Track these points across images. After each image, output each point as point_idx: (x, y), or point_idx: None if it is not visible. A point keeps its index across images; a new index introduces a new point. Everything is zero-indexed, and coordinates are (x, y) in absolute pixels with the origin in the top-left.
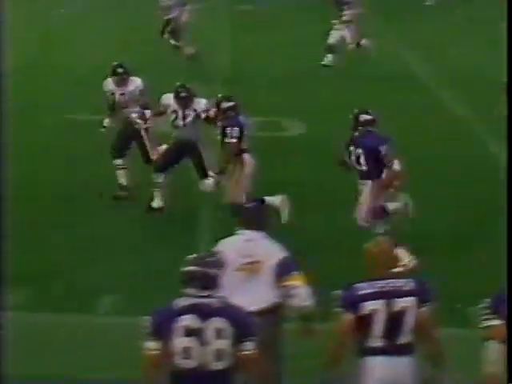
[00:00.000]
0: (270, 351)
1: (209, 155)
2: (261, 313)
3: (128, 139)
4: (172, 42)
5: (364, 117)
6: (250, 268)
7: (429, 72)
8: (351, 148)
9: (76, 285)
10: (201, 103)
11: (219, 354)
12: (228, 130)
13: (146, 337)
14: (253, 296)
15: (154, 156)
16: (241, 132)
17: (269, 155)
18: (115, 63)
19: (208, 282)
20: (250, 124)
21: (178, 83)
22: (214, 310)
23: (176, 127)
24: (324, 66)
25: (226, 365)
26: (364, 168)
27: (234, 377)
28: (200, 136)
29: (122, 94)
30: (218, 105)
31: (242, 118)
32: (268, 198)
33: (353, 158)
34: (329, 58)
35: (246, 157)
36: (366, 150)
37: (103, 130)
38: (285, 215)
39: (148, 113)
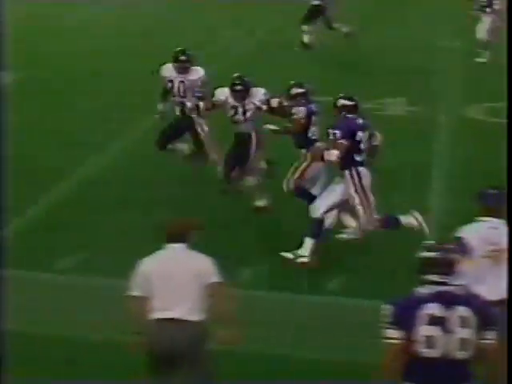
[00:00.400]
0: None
1: (262, 149)
2: (500, 303)
3: (181, 130)
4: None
5: (342, 102)
6: (495, 256)
7: None
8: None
9: None
10: (259, 93)
11: (463, 343)
12: (294, 109)
13: (386, 325)
14: (494, 285)
15: (210, 152)
16: (309, 118)
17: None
18: (178, 49)
19: (449, 269)
20: (320, 113)
21: (234, 75)
22: (457, 298)
23: (235, 122)
24: (480, 63)
25: (469, 354)
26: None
27: (474, 367)
28: (257, 129)
29: (182, 82)
30: (287, 91)
31: (312, 106)
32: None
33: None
34: (484, 55)
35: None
36: (342, 131)
37: (157, 116)
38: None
39: (201, 105)
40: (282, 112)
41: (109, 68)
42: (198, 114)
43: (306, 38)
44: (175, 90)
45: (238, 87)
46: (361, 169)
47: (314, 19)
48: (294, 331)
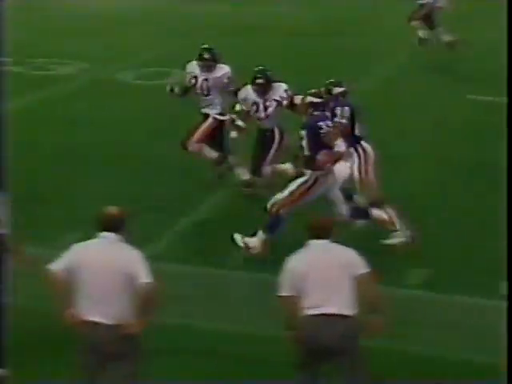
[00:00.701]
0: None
1: (285, 146)
2: None
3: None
4: (420, 32)
5: (310, 99)
6: None
7: None
8: (301, 132)
9: None
10: (280, 88)
11: None
12: (338, 109)
13: None
14: None
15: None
16: (352, 116)
17: None
18: (204, 46)
19: None
20: (362, 111)
21: (256, 68)
22: None
23: (258, 119)
24: None
25: None
26: (306, 152)
27: None
28: (279, 124)
29: (205, 80)
30: (328, 90)
31: (352, 104)
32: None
33: (298, 143)
34: None
35: (365, 144)
36: (307, 129)
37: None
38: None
39: (240, 123)
40: (304, 109)
41: None
42: (239, 131)
43: (445, 38)
44: (198, 87)
45: (260, 80)
46: None
47: (430, 22)
48: (436, 330)
